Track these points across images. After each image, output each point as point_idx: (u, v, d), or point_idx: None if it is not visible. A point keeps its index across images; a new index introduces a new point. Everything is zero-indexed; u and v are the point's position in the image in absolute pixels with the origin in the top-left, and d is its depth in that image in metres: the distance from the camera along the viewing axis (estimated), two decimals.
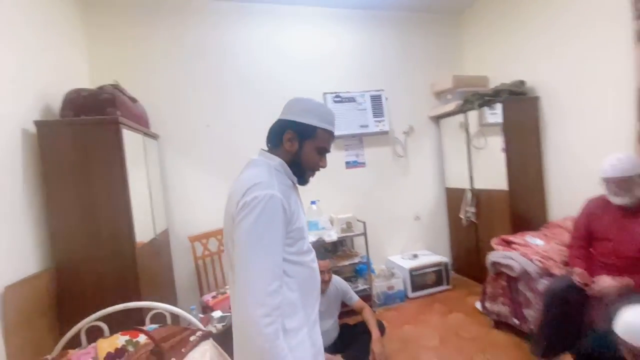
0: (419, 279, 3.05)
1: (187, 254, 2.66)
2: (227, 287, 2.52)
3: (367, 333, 2.10)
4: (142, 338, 1.67)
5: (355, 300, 2.21)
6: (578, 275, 1.72)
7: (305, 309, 0.94)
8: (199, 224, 2.75)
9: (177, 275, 2.73)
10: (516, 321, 2.18)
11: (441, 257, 3.17)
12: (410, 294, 3.03)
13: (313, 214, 2.82)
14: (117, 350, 1.59)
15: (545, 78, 2.70)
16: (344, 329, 2.21)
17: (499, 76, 3.04)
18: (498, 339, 2.26)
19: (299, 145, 0.98)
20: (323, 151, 1.01)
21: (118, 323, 1.67)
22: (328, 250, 3.02)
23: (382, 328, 2.19)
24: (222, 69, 2.86)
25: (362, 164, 3.25)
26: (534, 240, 2.20)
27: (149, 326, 1.87)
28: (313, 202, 2.86)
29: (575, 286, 1.71)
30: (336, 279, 2.20)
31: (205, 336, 1.83)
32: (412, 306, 2.91)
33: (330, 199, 3.07)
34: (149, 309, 1.85)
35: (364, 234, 2.92)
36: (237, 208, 0.87)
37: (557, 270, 1.94)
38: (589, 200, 1.92)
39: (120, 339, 1.64)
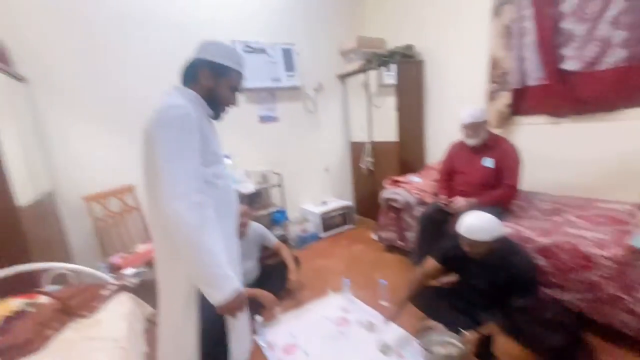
0: (328, 221, 3.48)
1: (83, 215, 2.44)
2: (136, 244, 2.45)
3: (284, 268, 2.39)
4: (43, 300, 1.57)
5: (274, 242, 2.45)
6: (442, 199, 2.27)
7: (221, 223, 1.06)
8: (94, 183, 2.50)
9: (73, 238, 2.49)
10: (401, 243, 2.75)
11: (346, 202, 3.64)
12: (322, 234, 3.45)
13: (228, 168, 2.86)
14: (16, 313, 1.49)
15: (429, 44, 3.17)
16: (265, 269, 2.44)
17: (394, 39, 3.41)
18: (389, 259, 2.83)
19: (215, 83, 1.07)
20: (234, 90, 1.12)
21: (6, 292, 1.54)
22: (245, 203, 3.15)
23: (297, 262, 2.50)
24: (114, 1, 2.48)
25: (276, 119, 3.35)
26: (414, 178, 2.75)
27: (50, 287, 1.76)
28: (227, 157, 2.88)
29: (441, 209, 2.26)
30: (255, 224, 2.37)
31: (120, 289, 1.81)
32: (323, 244, 3.33)
33: (245, 153, 3.14)
34: (46, 271, 1.73)
35: (279, 185, 3.12)
36: (154, 126, 0.92)
37: (429, 199, 2.50)
38: (451, 144, 2.48)
39: (16, 302, 1.52)
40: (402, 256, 2.80)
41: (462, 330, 1.56)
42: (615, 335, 1.61)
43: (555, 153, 2.45)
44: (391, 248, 2.95)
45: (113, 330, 1.39)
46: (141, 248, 2.41)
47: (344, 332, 1.96)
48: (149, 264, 2.19)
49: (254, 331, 1.98)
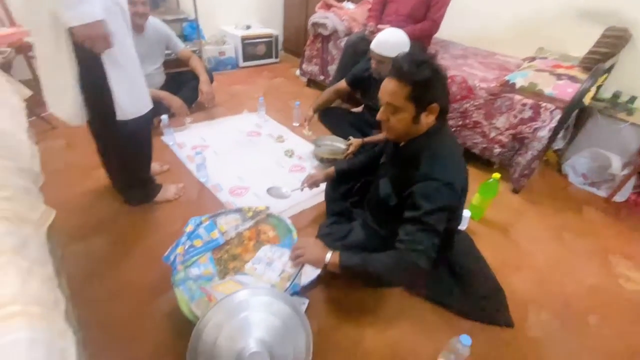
0: (250, 49, 3.21)
1: None
2: None
3: (195, 80, 2.24)
4: None
5: (181, 48, 2.18)
6: (369, 27, 2.22)
7: None
8: None
9: None
10: (322, 77, 2.77)
11: (273, 30, 3.32)
12: (241, 63, 3.22)
13: None
14: None
15: None
16: (173, 78, 2.25)
17: None
18: (308, 92, 2.88)
19: None
20: None
21: None
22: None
23: (210, 76, 2.34)
24: None
25: None
26: (349, 5, 2.57)
27: None
28: None
29: (366, 38, 2.23)
30: (156, 22, 2.02)
31: None
32: (242, 73, 3.16)
33: None
34: None
35: None
36: None
37: (357, 30, 2.43)
38: None
39: None
40: (322, 91, 2.87)
41: (351, 137, 1.80)
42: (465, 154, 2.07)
43: (472, 2, 2.51)
44: (312, 83, 2.97)
45: None
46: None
47: (254, 141, 2.09)
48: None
49: (161, 132, 1.97)
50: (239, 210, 1.22)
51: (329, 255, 0.94)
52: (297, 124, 2.30)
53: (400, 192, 0.94)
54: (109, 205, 1.47)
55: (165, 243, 1.09)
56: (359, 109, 2.18)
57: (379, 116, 0.97)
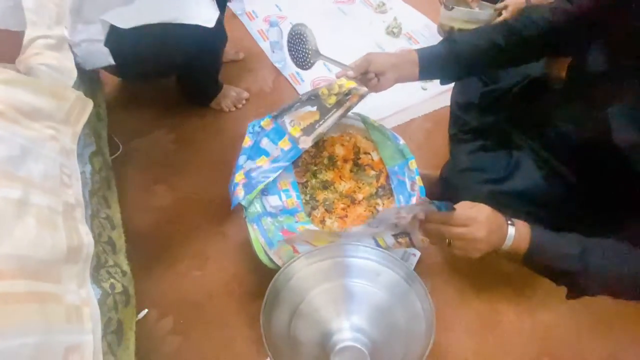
0: None
1: None
2: None
3: None
4: None
5: None
6: None
7: None
8: None
9: None
10: None
11: None
12: None
13: None
14: None
15: None
16: None
17: None
18: None
19: None
20: None
21: None
22: None
23: None
24: None
25: None
26: None
27: None
28: None
29: None
30: None
31: None
32: None
33: None
34: None
35: None
36: None
37: None
38: None
39: None
40: None
41: None
42: None
43: None
44: None
45: None
46: None
47: (345, 11, 1.52)
48: None
49: None
50: (314, 96, 0.76)
51: (511, 232, 0.50)
52: None
53: None
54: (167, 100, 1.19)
55: (234, 148, 0.81)
56: None
57: None
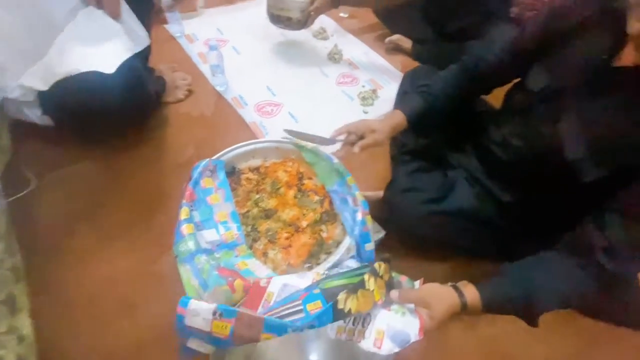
0: None
1: None
2: None
3: None
4: None
5: None
6: None
7: None
8: None
9: None
10: None
11: None
12: None
13: None
14: None
15: None
16: None
17: None
18: None
19: None
20: None
21: None
22: None
23: None
24: None
25: None
26: None
27: None
28: None
29: None
30: None
31: None
32: None
33: None
34: None
35: None
36: None
37: None
38: None
39: None
40: None
41: None
42: None
43: None
44: None
45: None
46: None
47: (287, 36, 1.54)
48: None
49: (164, 19, 1.45)
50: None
51: (464, 302, 0.52)
52: (345, 14, 1.69)
53: (612, 157, 0.50)
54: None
55: (170, 179, 0.76)
56: None
57: None
